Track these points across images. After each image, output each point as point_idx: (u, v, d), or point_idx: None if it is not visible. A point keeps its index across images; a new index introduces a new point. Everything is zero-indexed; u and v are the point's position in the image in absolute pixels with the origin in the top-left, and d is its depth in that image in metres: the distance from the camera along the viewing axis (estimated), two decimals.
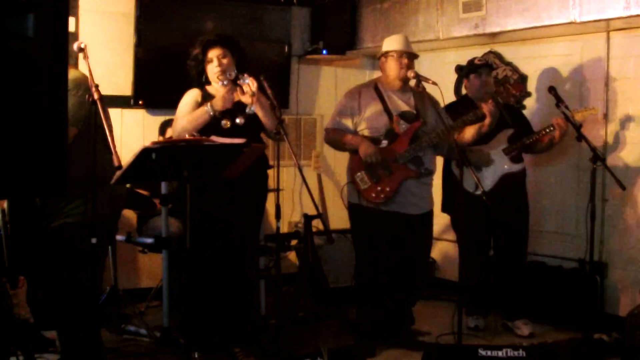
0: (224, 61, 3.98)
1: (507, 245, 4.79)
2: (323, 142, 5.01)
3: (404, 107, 4.34)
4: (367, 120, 4.31)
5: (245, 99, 3.89)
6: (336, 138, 4.39)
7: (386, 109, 4.31)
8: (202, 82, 4.06)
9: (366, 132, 4.31)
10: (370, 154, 4.20)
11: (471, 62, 4.81)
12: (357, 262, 4.56)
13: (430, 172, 4.37)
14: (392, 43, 4.35)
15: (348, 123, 4.33)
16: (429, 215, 4.45)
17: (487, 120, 4.35)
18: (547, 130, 4.56)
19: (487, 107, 4.33)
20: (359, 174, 4.27)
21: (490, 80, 4.81)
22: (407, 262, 4.41)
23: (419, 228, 4.39)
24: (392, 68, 4.32)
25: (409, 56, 4.32)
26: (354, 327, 4.51)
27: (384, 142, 4.28)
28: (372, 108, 4.31)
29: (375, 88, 4.37)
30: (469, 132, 4.44)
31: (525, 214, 4.85)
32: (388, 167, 4.25)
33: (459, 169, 3.90)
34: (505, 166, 4.69)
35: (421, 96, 4.36)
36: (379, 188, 4.24)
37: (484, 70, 4.75)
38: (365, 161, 4.22)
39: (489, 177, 4.65)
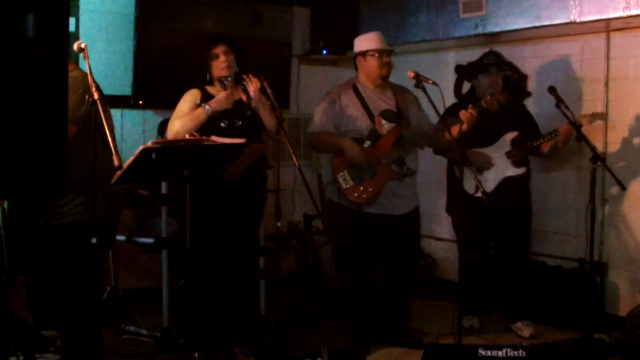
0: (230, 57, 3.99)
1: (508, 248, 4.80)
2: None
3: (385, 106, 4.33)
4: (349, 122, 4.28)
5: (246, 98, 3.89)
6: (320, 141, 4.36)
7: (367, 110, 4.29)
8: (203, 82, 4.06)
9: (349, 134, 4.28)
10: (355, 156, 4.19)
11: (480, 61, 4.77)
12: (337, 262, 4.55)
13: (413, 172, 4.34)
14: (369, 42, 4.32)
15: (330, 126, 4.30)
16: (414, 213, 4.43)
17: (464, 127, 4.24)
18: (552, 135, 4.52)
19: (464, 115, 4.21)
20: (341, 174, 4.25)
21: (499, 80, 4.74)
22: (397, 261, 4.42)
23: (404, 226, 4.37)
24: (373, 67, 4.30)
25: (388, 54, 4.32)
26: (349, 327, 4.51)
27: (367, 143, 4.27)
28: (353, 109, 4.29)
29: (354, 88, 4.35)
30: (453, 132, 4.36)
31: (527, 217, 4.84)
32: (371, 169, 4.24)
33: (459, 169, 3.89)
34: (507, 170, 4.66)
35: (403, 92, 4.36)
36: (361, 189, 4.22)
37: (492, 70, 4.71)
38: (350, 162, 4.22)
39: (490, 180, 4.62)
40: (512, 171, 4.67)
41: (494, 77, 4.73)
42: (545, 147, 4.64)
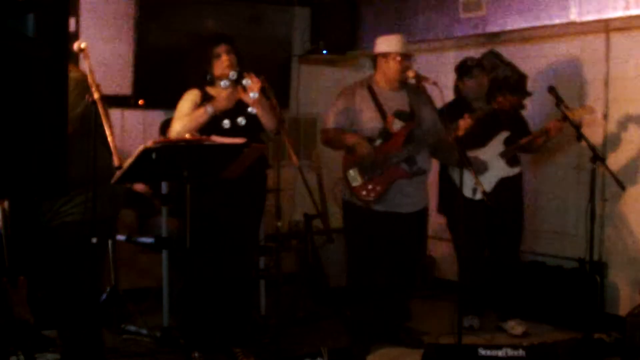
0: (232, 57, 3.99)
1: (502, 248, 4.81)
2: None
3: (398, 107, 4.34)
4: (363, 120, 4.30)
5: (247, 98, 3.89)
6: (336, 138, 4.37)
7: (380, 109, 4.31)
8: (203, 82, 4.05)
9: (362, 132, 4.30)
10: (365, 153, 4.20)
11: (463, 64, 4.79)
12: (349, 261, 4.57)
13: (424, 171, 4.36)
14: (392, 44, 4.32)
15: (345, 124, 4.32)
16: (423, 213, 4.45)
17: (460, 133, 4.22)
18: (542, 133, 4.61)
19: (463, 123, 4.21)
20: (350, 171, 4.27)
21: (484, 81, 4.79)
22: (401, 259, 4.42)
23: (413, 226, 4.39)
24: (393, 69, 4.31)
25: (409, 58, 4.33)
26: (349, 327, 4.52)
27: (378, 141, 4.28)
28: (367, 110, 4.30)
29: (369, 88, 4.37)
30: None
31: (520, 217, 4.86)
32: (380, 167, 4.24)
33: (459, 170, 3.89)
34: (503, 170, 4.69)
35: (417, 94, 4.37)
36: (370, 186, 4.24)
37: (476, 71, 4.73)
38: (360, 159, 4.22)
39: (486, 183, 4.60)
40: (508, 171, 4.71)
41: (479, 79, 4.74)
42: (539, 141, 4.68)
